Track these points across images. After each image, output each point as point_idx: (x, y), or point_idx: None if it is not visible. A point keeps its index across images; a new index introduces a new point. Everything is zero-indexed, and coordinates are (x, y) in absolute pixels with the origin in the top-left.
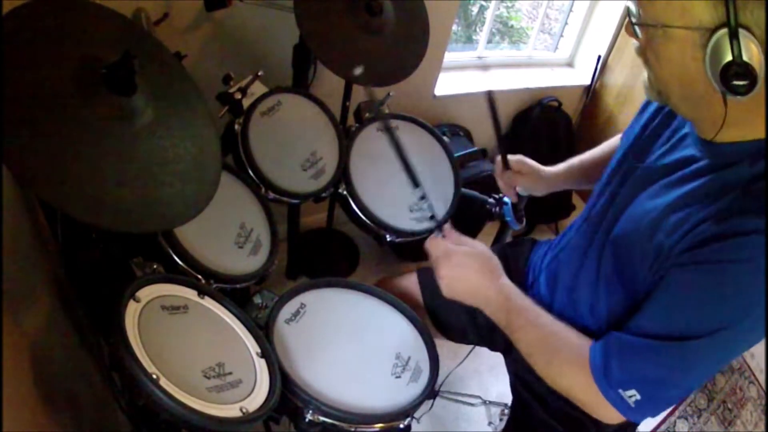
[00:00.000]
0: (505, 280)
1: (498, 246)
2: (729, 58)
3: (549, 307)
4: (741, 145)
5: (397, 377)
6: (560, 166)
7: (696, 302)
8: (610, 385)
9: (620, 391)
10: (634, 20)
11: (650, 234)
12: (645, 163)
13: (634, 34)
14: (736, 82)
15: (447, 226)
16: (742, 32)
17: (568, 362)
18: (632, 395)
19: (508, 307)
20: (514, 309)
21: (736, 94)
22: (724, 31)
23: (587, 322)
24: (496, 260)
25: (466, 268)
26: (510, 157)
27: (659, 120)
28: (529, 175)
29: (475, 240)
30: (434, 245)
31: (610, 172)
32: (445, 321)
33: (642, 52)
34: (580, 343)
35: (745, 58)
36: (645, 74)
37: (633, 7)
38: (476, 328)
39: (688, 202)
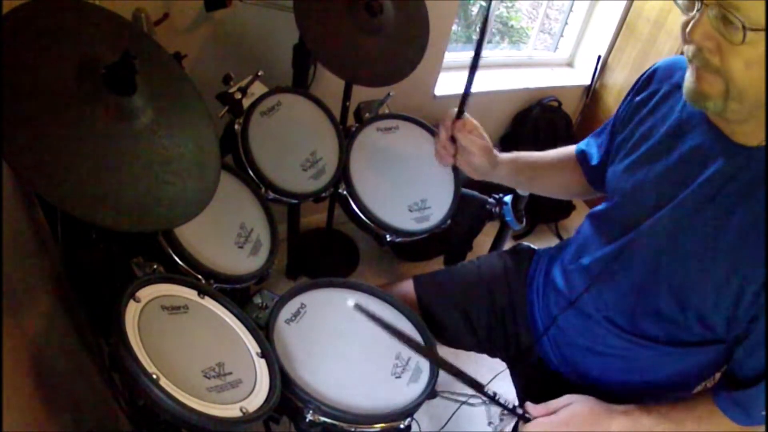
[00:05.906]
0: (620, 408)
1: (497, 252)
2: None
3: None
4: None
5: (397, 377)
6: (507, 154)
7: None
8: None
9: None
10: (739, 24)
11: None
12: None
13: (705, 39)
14: None
15: (528, 405)
16: None
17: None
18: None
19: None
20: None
21: None
22: None
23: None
24: (591, 401)
25: (577, 426)
26: (467, 115)
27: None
28: (478, 138)
29: (562, 397)
30: (534, 429)
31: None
32: (442, 327)
33: (707, 60)
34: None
35: None
36: (692, 84)
37: (712, 12)
38: (475, 335)
39: None
